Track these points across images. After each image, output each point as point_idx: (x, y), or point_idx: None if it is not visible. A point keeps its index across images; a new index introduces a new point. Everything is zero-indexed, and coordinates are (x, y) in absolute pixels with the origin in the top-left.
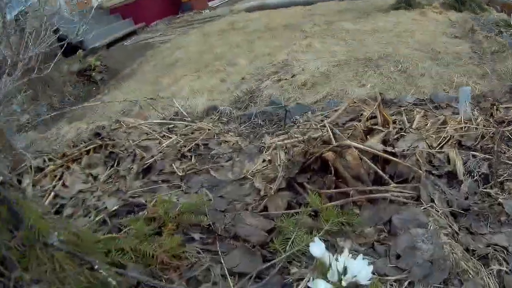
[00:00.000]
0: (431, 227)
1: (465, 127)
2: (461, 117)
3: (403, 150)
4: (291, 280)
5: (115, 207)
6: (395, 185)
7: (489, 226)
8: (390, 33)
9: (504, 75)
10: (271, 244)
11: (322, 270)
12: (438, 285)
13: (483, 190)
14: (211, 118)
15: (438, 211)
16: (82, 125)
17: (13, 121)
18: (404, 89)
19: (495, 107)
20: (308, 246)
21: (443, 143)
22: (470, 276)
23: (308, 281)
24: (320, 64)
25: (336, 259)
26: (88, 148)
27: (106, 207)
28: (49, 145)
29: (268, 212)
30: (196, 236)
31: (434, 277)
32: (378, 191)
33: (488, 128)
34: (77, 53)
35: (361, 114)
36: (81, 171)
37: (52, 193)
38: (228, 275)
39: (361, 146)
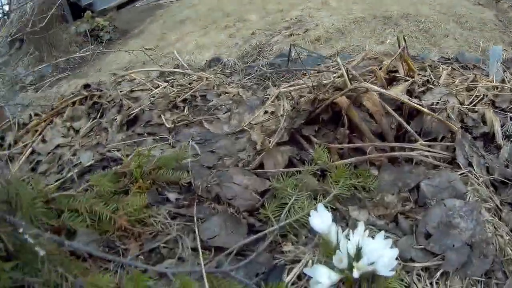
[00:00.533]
0: (471, 199)
1: (498, 87)
2: (493, 78)
3: (432, 104)
4: (283, 261)
5: (90, 162)
6: (424, 142)
7: None
8: None
9: None
10: (262, 211)
11: (326, 251)
12: (478, 278)
13: None
14: (213, 70)
15: (478, 179)
16: (81, 81)
17: (16, 82)
18: (426, 49)
19: None
20: (309, 215)
21: (475, 101)
22: None
23: (305, 265)
24: (336, 20)
25: (347, 237)
26: (74, 100)
27: (80, 162)
28: (46, 103)
29: (264, 169)
30: (172, 196)
31: (474, 267)
32: (403, 149)
33: None
34: (85, 13)
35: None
36: (62, 125)
37: (30, 149)
38: (200, 250)
39: (383, 90)
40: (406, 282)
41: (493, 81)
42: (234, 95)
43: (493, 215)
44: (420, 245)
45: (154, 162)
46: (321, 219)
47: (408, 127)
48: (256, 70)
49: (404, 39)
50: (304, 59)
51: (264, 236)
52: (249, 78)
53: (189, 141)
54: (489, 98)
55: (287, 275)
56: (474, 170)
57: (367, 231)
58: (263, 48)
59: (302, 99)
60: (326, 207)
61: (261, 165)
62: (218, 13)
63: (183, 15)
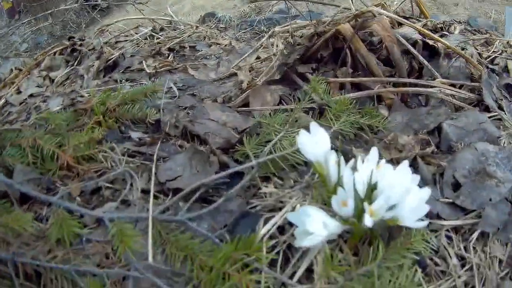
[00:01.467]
0: (506, 145)
1: None
2: (510, 38)
3: (447, 48)
4: (259, 207)
5: (59, 107)
6: (444, 80)
7: None
8: None
9: None
10: (240, 147)
11: (322, 191)
12: None
13: None
14: (207, 25)
15: None
16: None
17: (11, 50)
18: (437, 16)
19: None
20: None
21: (494, 55)
22: None
23: (293, 209)
24: None
25: (354, 168)
26: (55, 50)
27: (48, 108)
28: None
29: (250, 108)
30: (135, 135)
31: None
32: (421, 85)
33: None
34: None
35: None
36: (38, 75)
37: (3, 100)
38: (152, 191)
39: (395, 16)
40: (433, 245)
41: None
42: (225, 45)
43: None
44: (447, 198)
45: (120, 97)
46: (315, 141)
47: (426, 62)
48: (252, 26)
49: None
50: (305, 15)
51: (238, 177)
52: (244, 32)
53: (167, 84)
54: (508, 54)
55: (263, 225)
56: (506, 114)
57: (383, 160)
58: (262, 9)
59: (298, 33)
60: (322, 126)
61: (246, 105)
62: None
63: None
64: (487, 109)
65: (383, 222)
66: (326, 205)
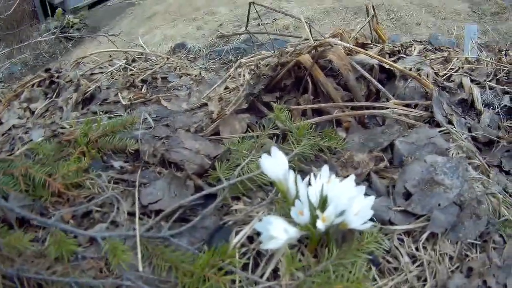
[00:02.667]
0: (454, 155)
1: (473, 63)
2: (468, 55)
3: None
4: (230, 222)
5: (41, 138)
6: (397, 101)
7: None
8: None
9: (506, 34)
10: (212, 172)
11: (284, 205)
12: (472, 241)
13: (508, 125)
14: (177, 56)
15: (461, 135)
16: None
17: None
18: (398, 36)
19: (503, 52)
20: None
21: (450, 73)
22: None
23: (259, 221)
24: (306, 10)
25: (309, 184)
26: (33, 82)
27: (31, 140)
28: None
29: (220, 136)
30: (117, 164)
31: (466, 228)
32: (374, 107)
33: (501, 64)
34: (56, 11)
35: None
36: (19, 106)
37: None
38: (138, 213)
39: (350, 45)
40: (385, 246)
41: (468, 59)
42: (195, 76)
43: (481, 173)
44: (399, 207)
45: (101, 129)
46: (275, 163)
47: (379, 85)
48: (220, 55)
49: (373, 7)
50: (269, 43)
51: (212, 198)
52: (212, 62)
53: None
54: (465, 71)
55: (235, 236)
56: (455, 128)
57: (333, 176)
58: (230, 38)
59: (263, 63)
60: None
61: (217, 134)
62: (188, 8)
63: (153, 10)
64: (438, 124)
65: (336, 228)
66: (288, 217)
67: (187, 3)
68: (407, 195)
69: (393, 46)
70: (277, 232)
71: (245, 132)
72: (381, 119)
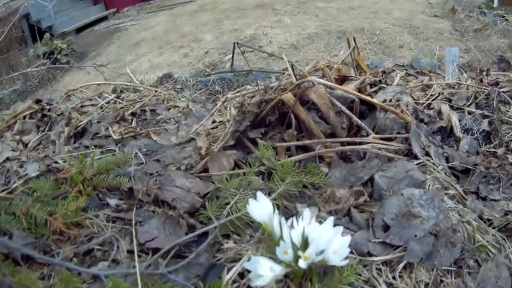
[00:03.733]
0: (431, 187)
1: (454, 87)
2: (449, 79)
3: (384, 101)
4: (222, 259)
5: (36, 173)
6: (376, 136)
7: (502, 192)
8: (366, 10)
9: (488, 51)
10: (203, 211)
11: (270, 245)
12: (447, 268)
13: (487, 150)
14: (164, 87)
15: (437, 167)
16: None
17: None
18: (380, 60)
19: (484, 72)
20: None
21: (430, 100)
22: (490, 254)
23: (248, 260)
24: (289, 36)
25: (291, 226)
26: (25, 114)
27: (26, 174)
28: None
29: (209, 173)
30: (112, 202)
31: (442, 256)
32: (354, 143)
33: (481, 88)
34: (44, 36)
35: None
36: (12, 138)
37: None
38: (136, 251)
39: (329, 83)
40: (364, 277)
41: (449, 83)
42: (183, 108)
43: (457, 203)
44: (378, 239)
45: (96, 167)
46: (260, 207)
47: (359, 121)
48: (207, 86)
49: (355, 40)
50: (255, 74)
51: (204, 236)
52: (199, 93)
53: (134, 150)
54: (445, 96)
55: (227, 273)
56: (432, 159)
57: (314, 218)
58: (216, 66)
59: (248, 100)
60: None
61: (206, 170)
62: (174, 34)
63: (140, 37)
64: (416, 157)
65: (318, 263)
66: (274, 254)
67: (173, 29)
68: (386, 227)
69: (375, 76)
70: (264, 271)
71: (233, 169)
72: (363, 152)
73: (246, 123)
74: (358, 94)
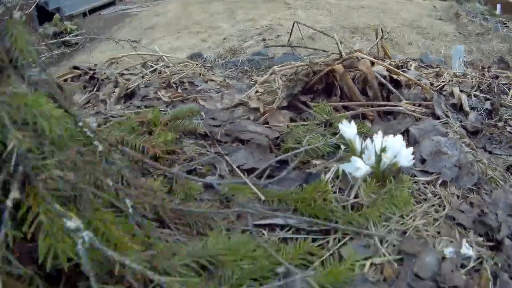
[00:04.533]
0: (452, 136)
1: (460, 77)
2: (456, 70)
3: (408, 80)
4: (315, 170)
5: (95, 124)
6: (407, 101)
7: (503, 150)
8: (376, 10)
9: (489, 54)
10: (283, 144)
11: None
12: (470, 187)
13: (489, 123)
14: (196, 64)
15: (455, 125)
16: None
17: None
18: (393, 55)
19: (486, 69)
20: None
21: (442, 84)
22: (499, 184)
23: (335, 171)
24: (306, 28)
25: (372, 140)
26: (66, 77)
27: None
28: None
29: (271, 125)
30: (192, 141)
31: (465, 180)
32: (392, 105)
33: (483, 79)
34: (54, 17)
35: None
36: None
37: None
38: (237, 169)
39: (373, 59)
40: (416, 187)
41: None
42: (220, 81)
43: (471, 149)
44: (418, 168)
45: (170, 114)
46: (349, 128)
47: (394, 89)
48: (236, 66)
49: (382, 31)
50: (281, 57)
51: (290, 159)
52: (230, 71)
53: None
54: (454, 83)
55: (325, 176)
56: (450, 120)
57: (385, 137)
58: (236, 51)
59: (299, 69)
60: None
61: (266, 123)
62: (188, 21)
63: (152, 22)
64: (438, 118)
65: (390, 168)
66: None
67: (186, 17)
68: (423, 161)
69: (397, 62)
70: (361, 164)
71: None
72: (393, 117)
73: (298, 88)
74: (393, 69)
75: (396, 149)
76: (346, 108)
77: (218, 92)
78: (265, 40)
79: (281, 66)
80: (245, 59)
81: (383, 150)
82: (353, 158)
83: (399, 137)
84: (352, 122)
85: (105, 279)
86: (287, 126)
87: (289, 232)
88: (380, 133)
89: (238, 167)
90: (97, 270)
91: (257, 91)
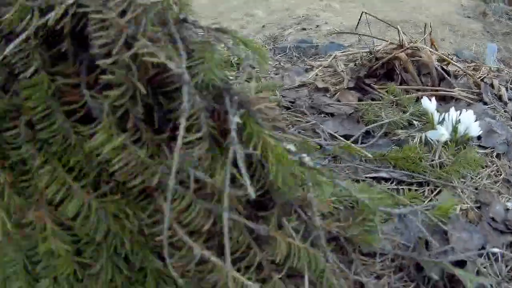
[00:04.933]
0: (500, 119)
1: (495, 72)
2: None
3: (455, 70)
4: (402, 137)
5: None
6: (459, 88)
7: None
8: (407, 5)
9: None
10: (365, 117)
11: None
12: None
13: None
14: None
15: (501, 110)
16: None
17: None
18: None
19: None
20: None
21: (483, 76)
22: None
23: (419, 139)
24: (343, 19)
25: (448, 114)
26: None
27: None
28: None
29: (342, 103)
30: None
31: None
32: (447, 90)
33: None
34: None
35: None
36: None
37: None
38: (336, 135)
39: (431, 49)
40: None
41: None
42: (276, 64)
43: None
44: (475, 143)
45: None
46: (430, 104)
47: (449, 78)
48: (284, 51)
49: (430, 26)
50: (326, 45)
51: (377, 129)
52: (280, 56)
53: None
54: (491, 77)
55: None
56: (497, 106)
57: (458, 111)
58: (277, 39)
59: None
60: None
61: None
62: (223, 6)
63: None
64: (485, 104)
65: (463, 137)
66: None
67: (221, 2)
68: (479, 137)
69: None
70: (445, 132)
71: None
72: (444, 102)
73: (364, 72)
74: (447, 59)
75: (467, 122)
76: (406, 91)
77: (277, 74)
78: (305, 29)
79: (342, 52)
80: (292, 46)
81: (458, 122)
82: (438, 126)
83: (470, 112)
84: (433, 98)
85: None
86: (362, 104)
87: (392, 184)
88: (452, 109)
89: (334, 133)
90: None
91: (317, 74)
